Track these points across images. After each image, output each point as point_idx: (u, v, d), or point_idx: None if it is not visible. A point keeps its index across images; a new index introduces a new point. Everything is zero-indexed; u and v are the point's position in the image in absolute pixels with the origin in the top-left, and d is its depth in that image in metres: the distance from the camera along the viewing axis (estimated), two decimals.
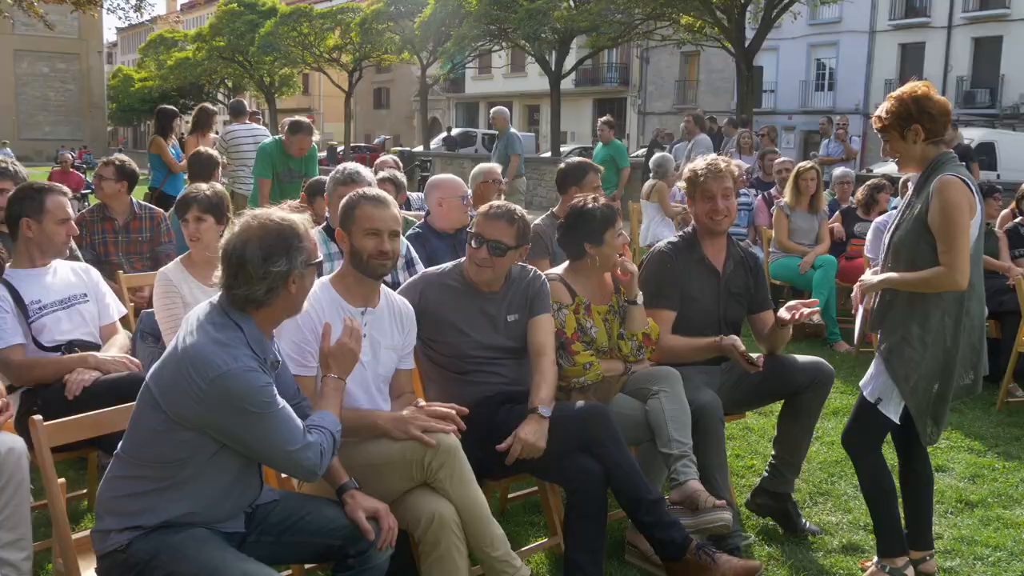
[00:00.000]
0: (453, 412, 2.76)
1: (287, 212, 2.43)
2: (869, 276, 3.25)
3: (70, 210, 3.51)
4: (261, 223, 2.34)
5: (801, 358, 3.71)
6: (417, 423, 2.69)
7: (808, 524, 3.69)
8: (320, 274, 3.71)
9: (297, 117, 7.53)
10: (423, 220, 4.76)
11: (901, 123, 3.04)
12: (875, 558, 3.29)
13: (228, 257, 2.33)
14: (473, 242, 3.17)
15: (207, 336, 2.28)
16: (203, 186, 3.92)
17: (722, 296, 3.72)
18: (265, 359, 2.35)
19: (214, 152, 6.21)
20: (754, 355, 3.56)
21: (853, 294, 3.41)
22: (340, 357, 2.58)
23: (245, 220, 2.37)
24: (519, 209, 3.23)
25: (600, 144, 10.77)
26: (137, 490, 2.32)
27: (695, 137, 11.14)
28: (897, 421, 3.09)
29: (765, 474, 3.78)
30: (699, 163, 3.73)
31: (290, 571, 2.83)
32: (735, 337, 3.54)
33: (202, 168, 5.89)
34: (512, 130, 10.77)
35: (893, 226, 3.15)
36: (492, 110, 11.14)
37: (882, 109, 3.10)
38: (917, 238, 3.02)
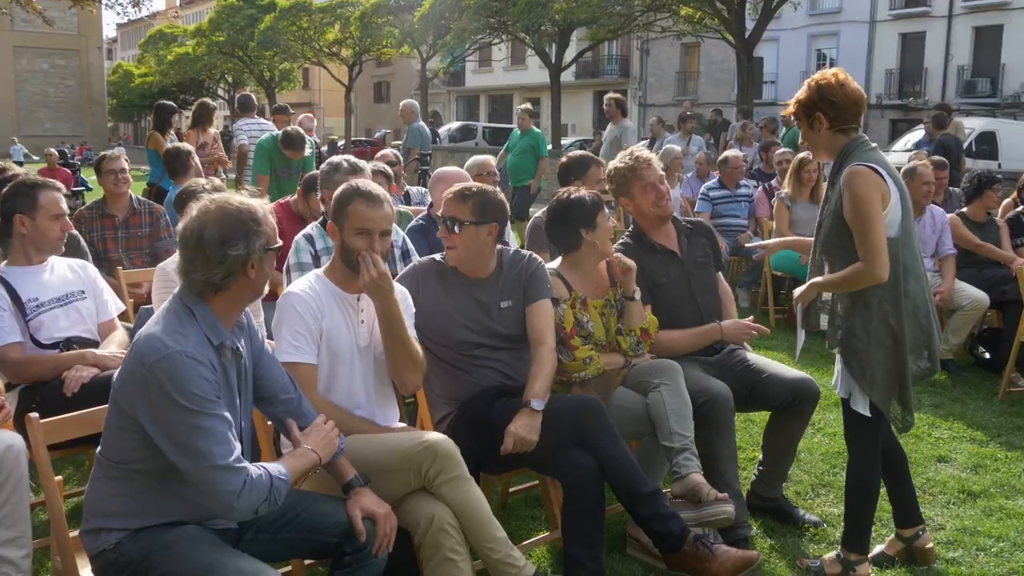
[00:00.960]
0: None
1: (246, 196, 2.38)
2: (799, 288, 3.19)
3: (64, 206, 3.49)
4: (219, 207, 2.29)
5: (790, 373, 3.64)
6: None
7: (807, 515, 3.68)
8: (318, 267, 3.72)
9: (288, 128, 7.48)
10: (426, 212, 4.75)
11: (807, 111, 3.02)
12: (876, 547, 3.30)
13: (185, 241, 2.28)
14: (441, 225, 3.22)
15: (158, 322, 2.27)
16: (202, 181, 3.92)
17: (690, 272, 3.74)
18: (220, 344, 2.30)
19: (186, 146, 6.24)
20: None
21: (794, 308, 3.33)
22: (324, 443, 2.48)
23: (203, 204, 2.31)
24: (478, 186, 3.23)
25: (518, 132, 10.30)
26: (116, 492, 2.30)
27: (621, 123, 10.47)
28: (868, 414, 3.04)
29: (754, 477, 3.78)
30: (622, 160, 3.73)
31: (290, 567, 2.83)
32: (730, 321, 3.53)
33: (177, 161, 5.94)
34: (418, 123, 10.84)
35: (817, 222, 3.09)
36: (402, 103, 11.11)
37: (794, 97, 3.07)
38: (838, 232, 2.96)
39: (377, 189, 2.85)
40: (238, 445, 2.24)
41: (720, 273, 3.95)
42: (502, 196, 3.30)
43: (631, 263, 3.49)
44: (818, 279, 3.06)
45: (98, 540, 2.30)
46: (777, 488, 3.71)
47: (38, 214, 3.41)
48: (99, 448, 2.36)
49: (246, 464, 2.22)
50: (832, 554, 3.25)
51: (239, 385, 2.40)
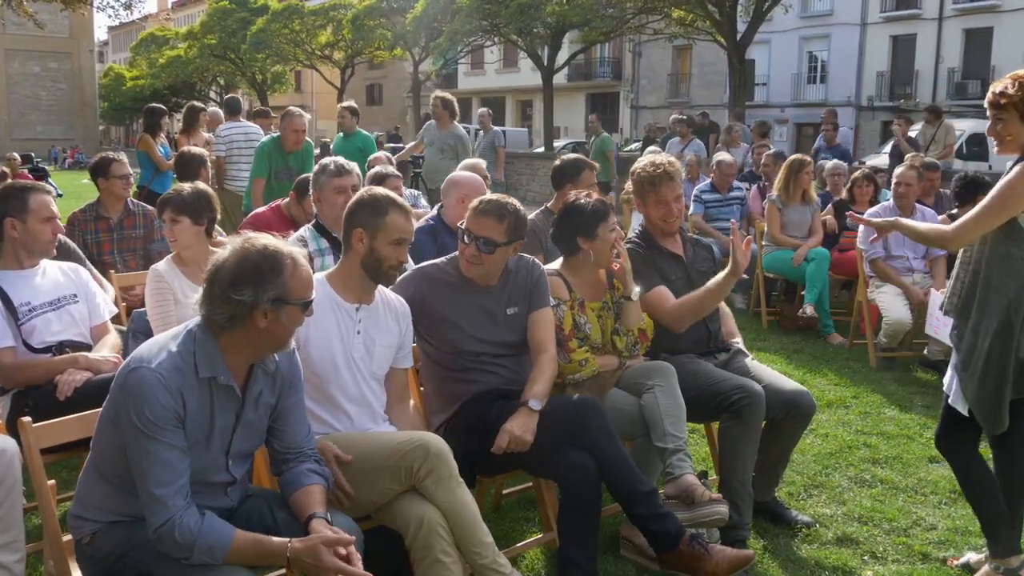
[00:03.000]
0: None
1: (282, 243, 2.32)
2: (877, 220, 3.39)
3: (54, 208, 3.47)
4: (244, 248, 2.25)
5: (787, 384, 3.60)
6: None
7: (799, 516, 3.69)
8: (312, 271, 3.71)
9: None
10: (436, 213, 4.76)
11: (1019, 107, 2.92)
12: (967, 554, 3.33)
13: (207, 273, 2.26)
14: (465, 238, 3.15)
15: (164, 336, 2.28)
16: (185, 186, 3.89)
17: (693, 276, 3.75)
18: (212, 378, 2.24)
19: (200, 151, 6.19)
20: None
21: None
22: (312, 564, 2.23)
23: (238, 241, 2.28)
24: (512, 203, 3.18)
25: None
26: (97, 484, 2.32)
27: (451, 127, 10.00)
28: (965, 413, 3.03)
29: None
30: (649, 164, 3.71)
31: (283, 571, 2.82)
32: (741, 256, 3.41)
33: (187, 168, 5.89)
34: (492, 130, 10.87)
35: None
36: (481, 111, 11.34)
37: (1006, 87, 2.95)
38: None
39: (405, 201, 2.92)
40: (182, 478, 2.17)
41: None
42: (524, 209, 3.27)
43: (627, 264, 3.49)
44: (903, 220, 3.22)
45: (78, 527, 2.34)
46: (769, 492, 3.71)
47: (28, 217, 3.39)
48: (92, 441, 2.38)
49: (182, 505, 2.14)
50: (986, 569, 3.18)
51: (225, 425, 2.32)
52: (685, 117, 13.06)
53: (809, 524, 3.65)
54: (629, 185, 3.94)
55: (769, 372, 3.71)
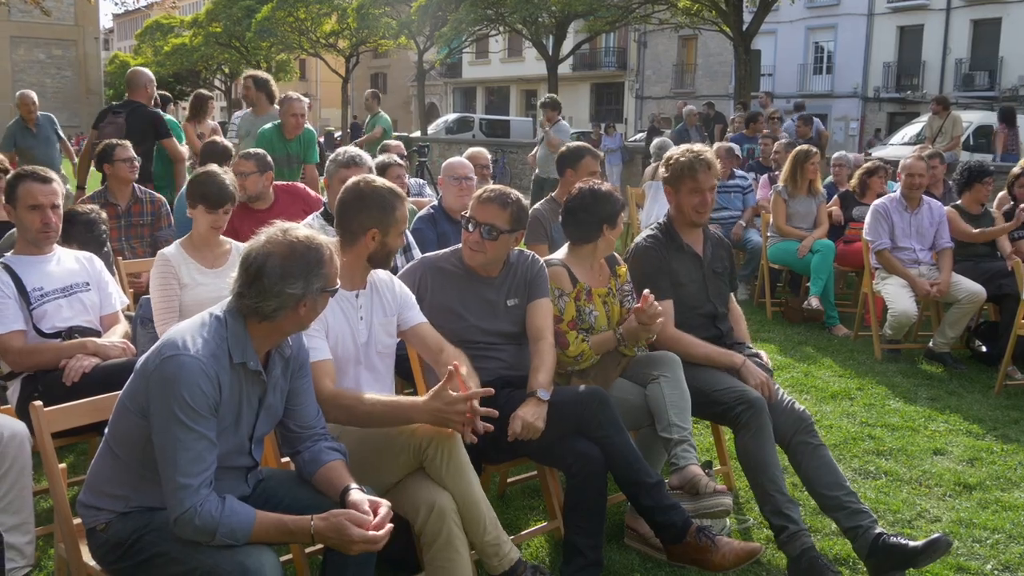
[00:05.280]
0: (477, 405, 2.63)
1: (316, 233, 2.37)
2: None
3: (45, 197, 3.40)
4: (289, 240, 2.28)
5: (790, 405, 3.41)
6: (455, 415, 2.60)
7: (917, 543, 3.24)
8: None
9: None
10: (437, 203, 4.79)
11: None
12: None
13: (247, 266, 2.27)
14: (469, 226, 3.18)
15: (190, 323, 2.30)
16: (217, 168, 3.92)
17: (708, 279, 3.72)
18: (243, 364, 2.29)
19: (225, 142, 6.19)
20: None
21: None
22: (336, 539, 2.25)
23: (273, 232, 2.31)
24: (514, 193, 3.23)
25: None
26: (112, 472, 2.34)
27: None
28: None
29: (847, 533, 3.46)
30: (687, 150, 3.66)
31: (291, 555, 2.84)
32: (755, 367, 3.41)
33: (215, 159, 5.88)
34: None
35: None
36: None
37: None
38: None
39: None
40: (209, 470, 2.20)
41: (733, 294, 3.92)
42: (526, 200, 3.30)
43: (659, 312, 3.29)
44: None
45: (90, 516, 2.35)
46: (872, 520, 3.55)
47: (17, 205, 3.41)
48: (107, 427, 2.39)
49: (205, 494, 2.17)
50: None
51: (250, 409, 2.37)
52: (694, 109, 13.13)
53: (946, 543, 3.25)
54: (661, 171, 3.83)
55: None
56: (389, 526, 2.28)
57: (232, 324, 2.30)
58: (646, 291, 3.27)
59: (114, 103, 7.29)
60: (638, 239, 3.78)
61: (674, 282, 3.64)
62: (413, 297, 3.07)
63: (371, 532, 2.23)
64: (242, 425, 2.36)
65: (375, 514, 2.29)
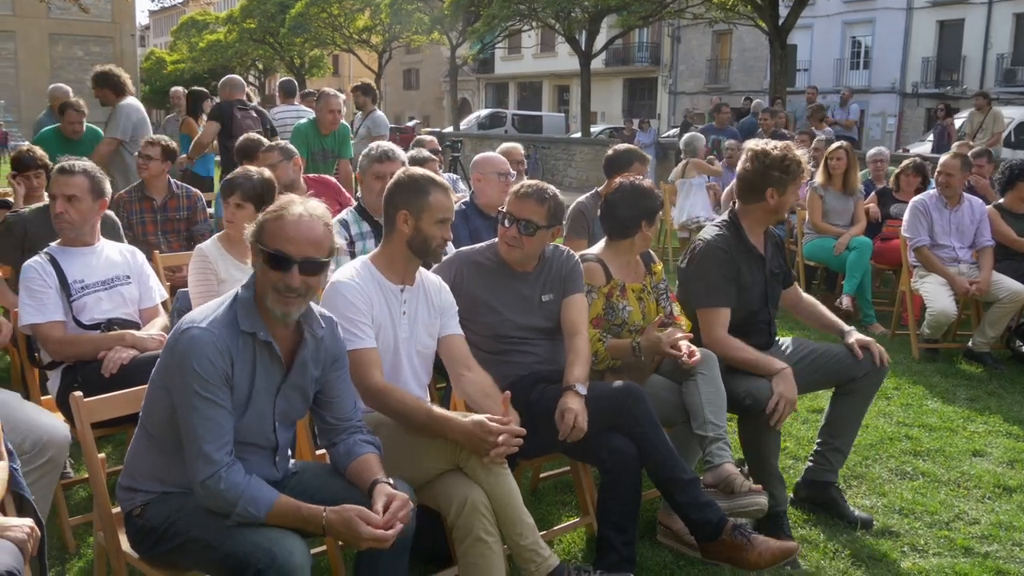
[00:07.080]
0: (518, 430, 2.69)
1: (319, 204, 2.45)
2: None
3: (57, 188, 3.45)
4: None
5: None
6: (489, 446, 2.62)
7: (858, 513, 3.59)
8: (353, 255, 3.74)
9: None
10: (468, 198, 4.79)
11: None
12: None
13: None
14: (505, 221, 3.19)
15: (215, 300, 2.39)
16: (252, 171, 3.91)
17: (769, 280, 3.66)
18: (253, 335, 2.31)
19: (259, 137, 6.23)
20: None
21: None
22: (346, 534, 2.26)
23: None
24: (551, 189, 3.23)
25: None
26: (148, 455, 2.38)
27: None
28: None
29: (809, 463, 3.72)
30: (792, 150, 3.51)
31: (324, 547, 2.86)
32: (792, 381, 3.34)
33: (247, 153, 5.92)
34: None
35: None
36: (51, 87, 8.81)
37: None
38: None
39: (444, 179, 2.99)
40: (227, 438, 2.24)
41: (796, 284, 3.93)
42: (562, 197, 3.30)
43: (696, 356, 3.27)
44: None
45: (128, 499, 2.40)
46: (834, 472, 3.64)
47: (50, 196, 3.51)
48: (141, 407, 2.43)
49: (227, 460, 2.22)
50: None
51: (269, 384, 2.37)
52: (722, 104, 13.03)
53: (868, 523, 3.55)
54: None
55: (820, 344, 3.72)
56: (399, 526, 2.27)
57: (243, 295, 2.35)
58: (694, 348, 3.26)
59: (236, 101, 7.55)
60: (706, 235, 3.61)
61: (740, 287, 3.53)
62: (456, 308, 3.07)
63: (379, 531, 2.23)
64: (258, 400, 2.36)
65: (386, 510, 2.28)
